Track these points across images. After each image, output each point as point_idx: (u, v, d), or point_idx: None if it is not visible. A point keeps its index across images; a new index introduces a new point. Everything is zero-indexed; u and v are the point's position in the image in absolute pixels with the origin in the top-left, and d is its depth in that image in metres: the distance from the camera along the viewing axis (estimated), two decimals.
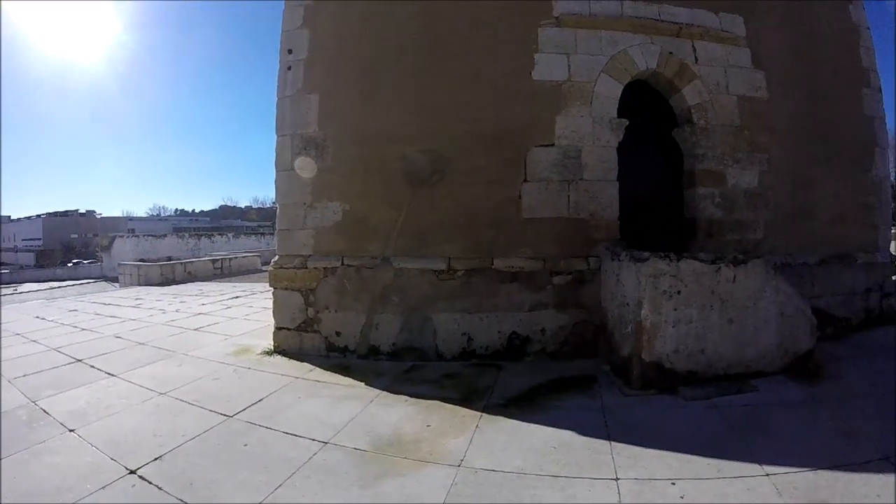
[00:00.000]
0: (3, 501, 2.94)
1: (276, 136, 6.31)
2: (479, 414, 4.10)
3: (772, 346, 4.62)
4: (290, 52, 6.29)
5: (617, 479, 3.06)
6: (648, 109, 6.40)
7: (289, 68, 6.28)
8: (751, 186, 6.37)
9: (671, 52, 6.17)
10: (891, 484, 2.84)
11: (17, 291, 20.48)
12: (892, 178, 9.49)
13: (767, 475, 3.00)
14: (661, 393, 4.32)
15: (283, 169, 6.26)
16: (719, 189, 6.23)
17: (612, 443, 3.51)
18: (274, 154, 6.32)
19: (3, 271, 36.30)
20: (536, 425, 3.85)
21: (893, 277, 7.15)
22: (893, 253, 7.28)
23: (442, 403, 4.36)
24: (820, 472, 3.00)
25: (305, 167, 6.14)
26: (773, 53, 6.60)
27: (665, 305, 4.40)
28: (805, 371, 4.63)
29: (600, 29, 6.01)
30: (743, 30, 6.49)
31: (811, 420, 3.77)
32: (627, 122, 5.97)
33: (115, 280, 21.55)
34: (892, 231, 8.30)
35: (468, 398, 4.48)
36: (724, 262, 4.56)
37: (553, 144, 5.82)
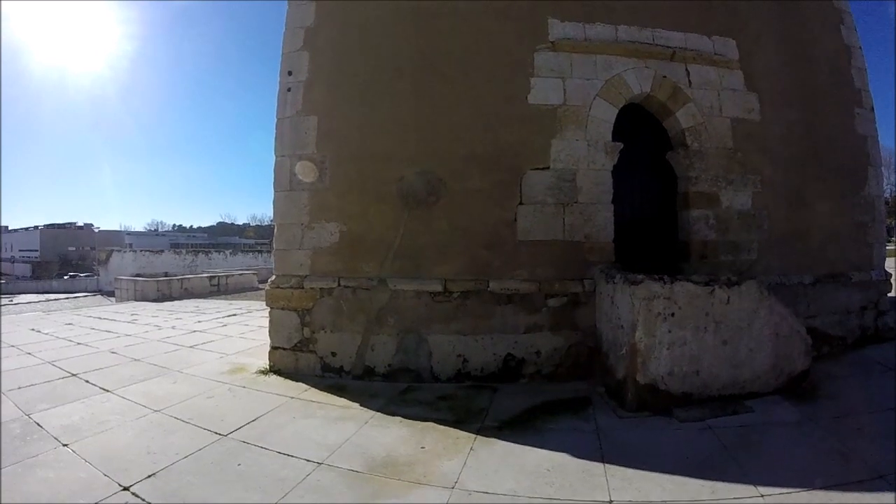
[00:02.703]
0: None
1: (274, 157, 6.37)
2: (473, 436, 4.11)
3: (767, 366, 4.64)
4: (289, 73, 6.37)
5: (611, 501, 3.08)
6: (643, 132, 6.47)
7: (288, 90, 6.35)
8: (744, 208, 6.42)
9: (665, 76, 6.27)
10: (885, 502, 2.85)
11: (13, 302, 20.42)
12: (885, 196, 9.59)
13: (762, 496, 3.03)
14: (656, 415, 4.33)
15: (282, 189, 6.29)
16: (713, 211, 6.29)
17: (607, 465, 3.52)
18: (273, 174, 6.37)
19: (0, 282, 36.27)
20: (531, 447, 3.85)
21: (889, 295, 7.19)
22: (888, 270, 7.33)
23: (436, 425, 4.36)
24: (815, 492, 3.02)
25: (303, 188, 6.19)
26: (766, 75, 6.70)
27: (659, 327, 4.43)
28: (800, 391, 4.65)
29: (595, 53, 6.13)
30: (736, 53, 6.60)
31: (806, 440, 3.79)
32: (622, 146, 6.04)
33: (111, 294, 21.53)
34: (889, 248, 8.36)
35: (463, 420, 4.48)
36: (717, 283, 4.59)
37: (548, 168, 5.90)
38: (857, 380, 5.24)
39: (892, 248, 12.01)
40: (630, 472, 3.40)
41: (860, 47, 7.53)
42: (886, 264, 7.44)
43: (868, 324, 6.89)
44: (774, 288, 5.39)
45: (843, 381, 5.13)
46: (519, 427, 4.30)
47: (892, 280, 7.36)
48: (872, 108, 7.47)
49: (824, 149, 6.90)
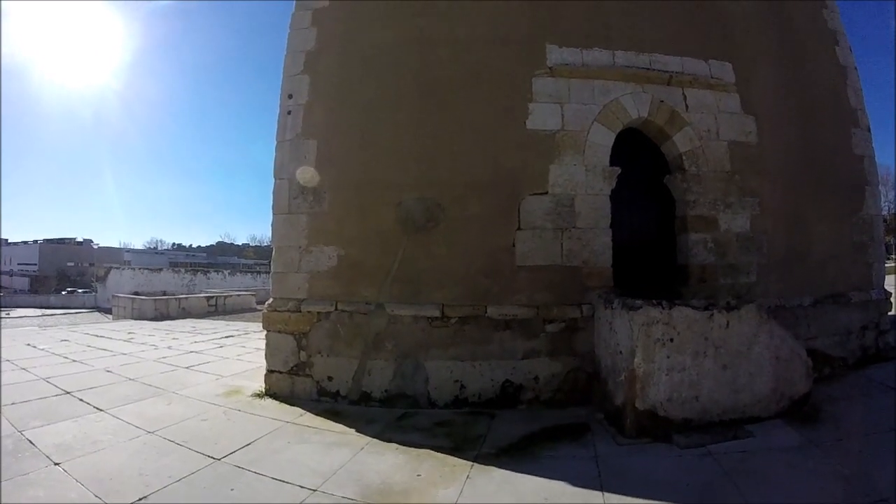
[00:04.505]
0: None
1: (274, 180, 6.39)
2: (470, 463, 4.05)
3: (767, 390, 4.61)
4: (290, 97, 6.42)
5: None
6: (641, 156, 6.50)
7: (288, 113, 6.39)
8: (743, 230, 6.42)
9: (662, 101, 6.31)
10: None
11: (10, 316, 20.41)
12: (883, 214, 9.62)
13: None
14: (656, 441, 4.28)
15: (280, 212, 6.30)
16: (711, 234, 6.28)
17: (605, 493, 3.47)
18: (272, 196, 6.38)
19: None
20: (528, 475, 3.80)
21: (889, 314, 7.17)
22: (888, 289, 7.32)
23: (433, 452, 4.30)
24: None
25: (302, 211, 6.20)
26: (763, 98, 6.75)
27: (658, 353, 4.40)
28: (802, 414, 4.62)
29: (593, 79, 6.19)
30: (732, 76, 6.66)
31: (808, 464, 3.75)
32: (620, 171, 6.06)
33: (108, 311, 21.50)
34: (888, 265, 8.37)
35: (460, 447, 4.42)
36: (716, 308, 4.57)
37: (547, 193, 5.91)
38: (858, 401, 5.21)
39: (892, 265, 12.03)
40: (629, 500, 3.36)
41: (856, 67, 7.64)
42: (886, 283, 7.43)
43: (869, 344, 6.87)
44: (774, 311, 5.39)
45: (844, 402, 5.10)
46: (517, 454, 4.24)
47: (892, 299, 7.34)
48: (869, 128, 7.54)
49: (822, 170, 6.95)
